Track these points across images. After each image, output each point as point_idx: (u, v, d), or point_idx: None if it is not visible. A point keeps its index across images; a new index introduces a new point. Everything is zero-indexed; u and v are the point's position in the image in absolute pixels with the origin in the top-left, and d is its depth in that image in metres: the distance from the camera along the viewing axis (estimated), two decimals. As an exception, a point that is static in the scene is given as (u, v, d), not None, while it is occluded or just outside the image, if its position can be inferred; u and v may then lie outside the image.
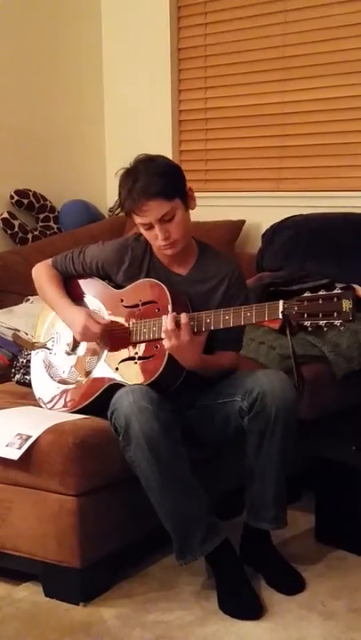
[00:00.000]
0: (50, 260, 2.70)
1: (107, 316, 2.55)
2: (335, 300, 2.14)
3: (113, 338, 2.51)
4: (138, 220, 2.40)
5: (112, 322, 2.52)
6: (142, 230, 2.45)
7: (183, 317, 2.31)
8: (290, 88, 3.95)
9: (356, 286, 3.29)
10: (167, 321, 2.32)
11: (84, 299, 2.63)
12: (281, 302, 2.22)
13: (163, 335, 2.34)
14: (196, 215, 2.54)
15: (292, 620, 2.29)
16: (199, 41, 4.21)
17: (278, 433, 2.36)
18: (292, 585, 2.45)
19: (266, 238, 3.81)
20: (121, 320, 2.51)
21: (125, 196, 2.39)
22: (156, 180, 2.36)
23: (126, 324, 2.49)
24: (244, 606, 2.32)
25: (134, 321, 2.47)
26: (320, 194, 3.86)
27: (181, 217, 2.42)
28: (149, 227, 2.40)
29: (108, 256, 2.57)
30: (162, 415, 2.28)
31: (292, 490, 2.57)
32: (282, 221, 3.78)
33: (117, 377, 2.46)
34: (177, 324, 2.32)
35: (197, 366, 2.41)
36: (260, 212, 3.99)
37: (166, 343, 2.32)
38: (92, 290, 2.63)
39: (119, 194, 2.44)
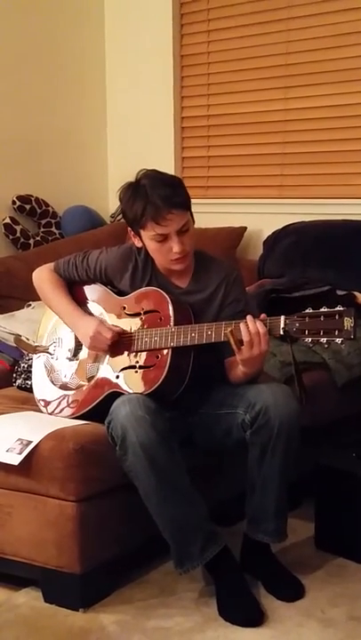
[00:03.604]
0: (51, 265, 2.69)
1: (109, 323, 2.54)
2: (337, 317, 2.15)
3: (115, 345, 2.50)
4: (157, 230, 2.37)
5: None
6: (153, 244, 2.41)
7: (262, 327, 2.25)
8: (292, 95, 3.95)
9: (356, 293, 3.29)
10: (260, 325, 2.24)
11: (86, 304, 2.63)
12: (282, 318, 2.22)
13: (250, 340, 2.25)
14: (198, 222, 2.55)
15: (292, 627, 2.28)
16: (202, 48, 4.22)
17: (280, 447, 2.36)
18: (291, 592, 2.45)
19: (267, 245, 3.81)
20: (123, 327, 2.51)
21: (143, 206, 2.35)
22: (175, 190, 2.38)
23: (128, 332, 2.49)
24: (244, 613, 2.32)
25: (136, 329, 2.47)
26: (322, 201, 3.87)
27: (193, 230, 2.43)
28: (164, 239, 2.39)
29: (112, 262, 2.57)
30: (159, 425, 2.28)
31: (292, 497, 2.56)
32: (283, 228, 3.79)
33: (118, 385, 2.46)
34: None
35: (260, 372, 2.43)
36: (262, 218, 3.99)
37: (258, 349, 2.25)
38: (94, 296, 2.63)
39: (128, 206, 2.40)
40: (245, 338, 2.24)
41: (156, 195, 2.34)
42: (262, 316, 2.28)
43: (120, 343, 2.49)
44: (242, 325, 2.25)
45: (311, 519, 2.79)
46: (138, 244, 2.49)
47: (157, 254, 2.45)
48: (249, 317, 2.26)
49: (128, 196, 2.41)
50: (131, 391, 2.40)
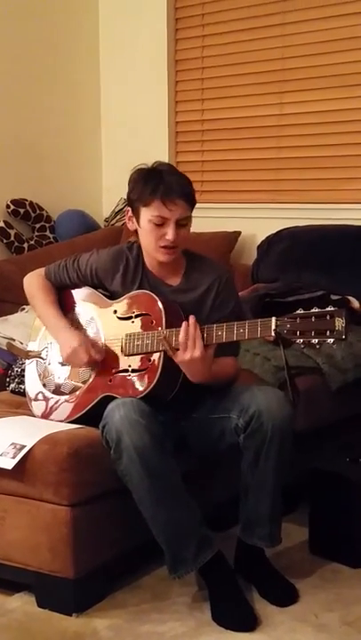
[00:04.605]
0: (42, 270, 2.68)
1: (100, 327, 2.54)
2: (328, 317, 2.14)
3: (107, 349, 2.50)
4: (161, 211, 2.38)
5: (105, 345, 2.51)
6: (150, 225, 2.41)
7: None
8: (287, 100, 3.96)
9: (350, 298, 3.29)
10: (193, 329, 2.29)
11: (78, 309, 2.63)
12: (273, 320, 2.21)
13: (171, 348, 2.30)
14: (192, 226, 2.55)
15: (286, 632, 2.28)
16: (196, 52, 4.23)
17: (274, 451, 2.36)
18: (285, 597, 2.45)
19: (261, 249, 3.82)
20: (114, 332, 2.51)
21: (156, 185, 2.38)
22: (187, 186, 2.44)
23: (120, 337, 2.49)
24: (238, 618, 2.31)
25: (128, 333, 2.47)
26: (316, 206, 3.87)
27: (190, 229, 2.45)
28: (162, 223, 2.39)
29: (103, 263, 2.57)
30: (153, 428, 2.27)
31: (287, 502, 2.56)
32: (277, 233, 3.79)
33: (110, 389, 2.45)
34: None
35: (206, 379, 2.39)
36: (256, 223, 3.99)
37: (190, 353, 2.28)
38: (85, 300, 2.63)
39: (139, 182, 2.43)
40: (181, 339, 2.27)
41: (173, 179, 2.40)
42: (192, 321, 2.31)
43: (112, 347, 2.49)
44: (183, 325, 2.28)
45: (305, 524, 2.79)
46: (131, 227, 2.49)
47: (149, 237, 2.43)
48: (191, 318, 2.29)
49: (142, 175, 2.45)
50: (123, 395, 2.40)
